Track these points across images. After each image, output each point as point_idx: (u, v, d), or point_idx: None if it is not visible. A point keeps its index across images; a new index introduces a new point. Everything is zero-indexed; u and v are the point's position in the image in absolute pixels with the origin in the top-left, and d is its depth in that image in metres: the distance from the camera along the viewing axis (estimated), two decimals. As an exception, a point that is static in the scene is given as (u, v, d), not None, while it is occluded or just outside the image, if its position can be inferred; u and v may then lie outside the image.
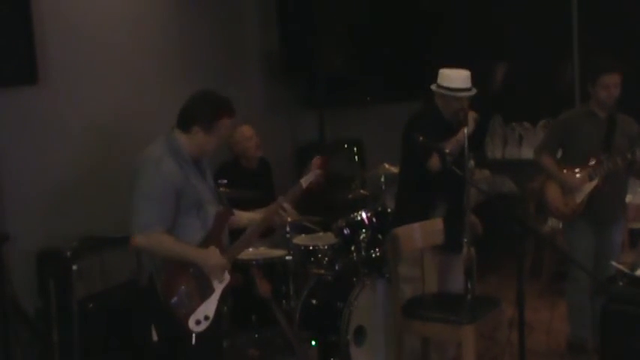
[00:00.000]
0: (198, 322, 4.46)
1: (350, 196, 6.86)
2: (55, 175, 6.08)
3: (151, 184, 4.39)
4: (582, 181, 6.11)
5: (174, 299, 4.44)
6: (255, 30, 8.43)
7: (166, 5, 7.20)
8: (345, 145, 8.89)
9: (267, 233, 6.29)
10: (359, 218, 6.30)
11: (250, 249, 6.21)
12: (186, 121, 4.52)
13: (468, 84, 5.83)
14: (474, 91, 5.84)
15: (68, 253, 5.66)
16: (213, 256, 4.50)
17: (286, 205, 4.80)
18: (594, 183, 6.08)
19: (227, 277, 4.61)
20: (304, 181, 4.87)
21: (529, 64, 9.10)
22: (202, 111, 4.52)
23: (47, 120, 6.03)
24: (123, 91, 6.63)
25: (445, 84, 5.83)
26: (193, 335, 4.45)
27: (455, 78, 5.83)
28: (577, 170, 6.14)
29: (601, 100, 6.05)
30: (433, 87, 5.92)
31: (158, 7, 7.11)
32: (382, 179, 6.81)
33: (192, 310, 4.46)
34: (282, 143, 8.48)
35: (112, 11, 6.61)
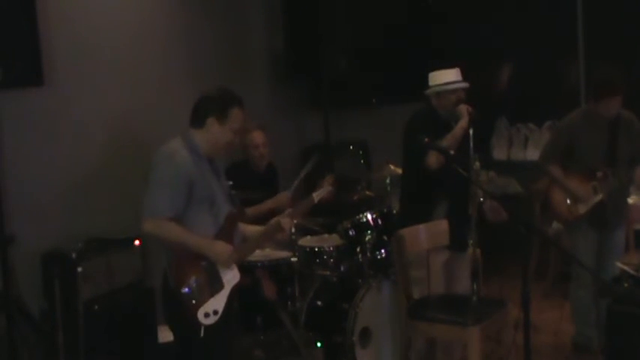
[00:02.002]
0: (207, 315, 4.52)
1: (355, 197, 6.86)
2: (61, 177, 6.08)
3: (164, 172, 4.52)
4: (587, 194, 6.13)
5: (186, 289, 4.51)
6: (260, 32, 8.43)
7: (171, 7, 7.20)
8: (351, 147, 8.89)
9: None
10: (364, 219, 6.29)
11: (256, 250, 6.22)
12: (199, 115, 4.66)
13: (459, 77, 5.90)
14: (466, 84, 5.90)
15: (73, 255, 5.66)
16: (219, 245, 4.59)
17: (285, 221, 4.86)
18: (599, 197, 6.09)
19: (238, 275, 4.68)
20: (316, 196, 5.04)
21: (534, 65, 9.09)
22: (213, 102, 4.67)
23: (53, 121, 6.03)
24: (128, 93, 6.63)
25: (440, 81, 5.91)
26: (202, 328, 4.51)
27: (445, 74, 5.96)
28: (580, 183, 6.16)
29: (602, 115, 6.06)
30: (429, 90, 5.97)
31: (163, 9, 7.11)
32: (388, 180, 6.81)
33: (202, 303, 4.52)
34: (287, 145, 8.47)
35: (117, 14, 6.61)
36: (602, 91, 6.03)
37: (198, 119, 4.65)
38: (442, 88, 5.89)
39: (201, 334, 4.52)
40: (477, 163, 6.20)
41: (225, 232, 4.67)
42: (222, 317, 4.58)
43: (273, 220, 4.93)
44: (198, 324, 4.51)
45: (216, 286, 4.59)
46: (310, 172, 6.25)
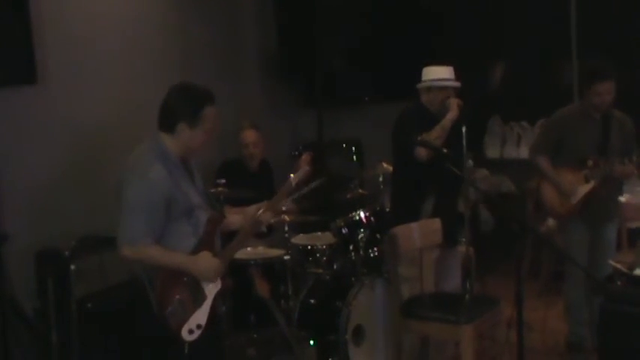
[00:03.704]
0: (191, 332, 4.37)
1: (348, 195, 6.85)
2: (54, 175, 6.08)
3: (137, 195, 4.30)
4: (578, 184, 6.13)
5: (170, 309, 4.35)
6: (253, 30, 8.43)
7: (164, 5, 7.20)
8: (344, 145, 8.89)
9: (266, 233, 6.31)
10: (357, 218, 6.30)
11: (249, 248, 6.22)
12: (168, 120, 4.41)
13: (452, 76, 5.91)
14: (457, 84, 5.90)
15: (67, 253, 5.66)
16: (203, 261, 4.41)
17: (264, 215, 4.65)
18: (591, 185, 6.09)
19: (219, 283, 4.50)
20: (294, 179, 4.77)
21: (527, 64, 9.10)
22: (183, 105, 4.41)
23: (46, 119, 6.03)
24: (121, 90, 6.63)
25: (432, 77, 5.91)
26: (186, 345, 4.36)
27: (438, 71, 5.95)
28: (571, 174, 6.16)
29: (594, 105, 6.07)
30: (421, 84, 5.97)
31: (156, 7, 7.11)
32: (380, 179, 6.81)
33: (185, 320, 4.36)
34: (280, 143, 8.47)
35: (110, 12, 6.61)
36: (592, 75, 6.04)
37: (167, 124, 4.41)
38: (433, 84, 5.90)
39: (186, 351, 4.36)
40: (470, 162, 6.23)
41: (206, 240, 4.48)
42: (206, 328, 4.42)
43: (251, 212, 4.71)
44: (182, 342, 4.35)
45: (199, 299, 4.42)
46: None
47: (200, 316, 4.42)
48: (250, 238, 5.40)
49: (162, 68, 7.07)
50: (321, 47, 8.14)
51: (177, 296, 4.38)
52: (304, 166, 5.00)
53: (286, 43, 8.31)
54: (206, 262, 4.42)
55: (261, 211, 4.66)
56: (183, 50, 7.33)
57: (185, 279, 4.40)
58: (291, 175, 4.79)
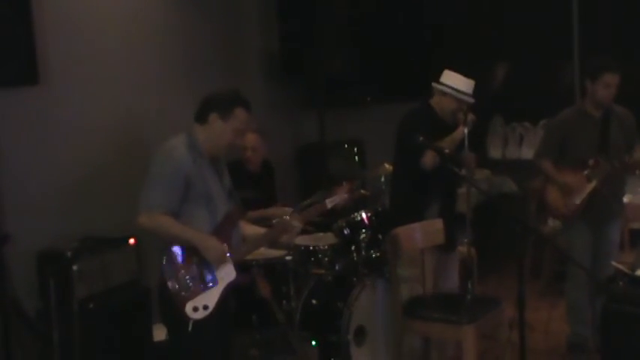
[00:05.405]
0: (195, 309, 4.52)
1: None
2: (56, 176, 6.08)
3: (159, 168, 4.57)
4: (581, 184, 6.13)
5: (171, 282, 4.52)
6: (255, 30, 8.42)
7: (167, 6, 7.20)
8: (346, 146, 8.89)
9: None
10: (359, 218, 6.30)
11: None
12: (203, 110, 4.70)
13: (471, 90, 5.89)
14: (473, 100, 5.90)
15: (69, 254, 5.65)
16: (211, 241, 4.59)
17: (296, 223, 4.91)
18: (593, 185, 6.09)
19: (233, 273, 4.66)
20: (330, 202, 5.00)
21: (530, 64, 9.10)
22: (219, 98, 4.71)
23: (48, 120, 6.03)
24: (123, 91, 6.62)
25: (452, 84, 5.87)
26: (191, 322, 4.51)
27: (463, 82, 5.92)
28: (574, 175, 6.16)
29: (599, 98, 6.07)
30: (438, 85, 5.94)
31: (158, 8, 7.10)
32: (382, 179, 6.81)
33: (191, 297, 4.53)
34: (282, 144, 8.47)
35: (112, 12, 6.61)
36: (601, 67, 6.02)
37: (202, 114, 4.70)
38: (454, 94, 5.85)
39: (190, 329, 4.50)
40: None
41: (222, 230, 4.66)
42: (214, 314, 4.57)
43: (280, 221, 4.92)
44: (186, 318, 4.50)
45: (208, 281, 4.60)
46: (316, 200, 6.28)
47: (208, 298, 4.58)
48: (268, 243, 5.55)
49: (164, 69, 7.07)
50: (323, 48, 8.13)
51: (183, 271, 4.55)
52: (343, 193, 5.13)
53: (288, 43, 8.30)
54: (213, 242, 4.60)
55: (292, 219, 4.96)
56: (185, 51, 7.32)
57: (194, 258, 4.58)
58: (327, 199, 5.08)
